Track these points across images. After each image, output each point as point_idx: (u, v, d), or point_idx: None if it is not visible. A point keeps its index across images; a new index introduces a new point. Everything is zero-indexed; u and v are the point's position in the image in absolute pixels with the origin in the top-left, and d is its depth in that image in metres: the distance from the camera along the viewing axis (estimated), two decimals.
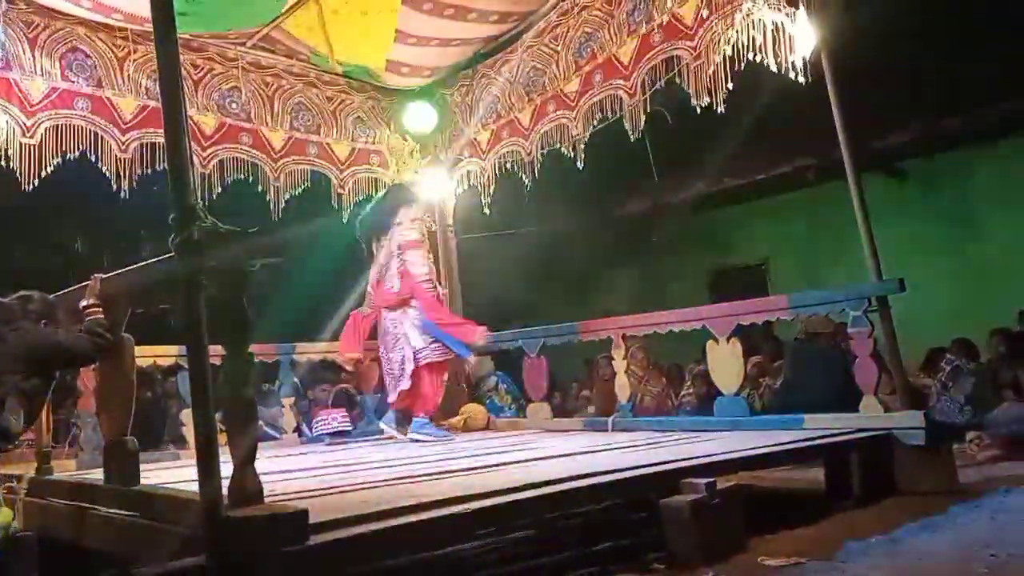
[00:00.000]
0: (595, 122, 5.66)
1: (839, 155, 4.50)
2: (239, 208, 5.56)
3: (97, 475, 3.27)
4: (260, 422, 4.25)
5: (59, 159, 5.17)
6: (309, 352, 6.27)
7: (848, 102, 4.48)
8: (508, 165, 6.38)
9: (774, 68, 4.44)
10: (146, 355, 5.01)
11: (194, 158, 5.51)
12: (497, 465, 3.68)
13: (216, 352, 2.41)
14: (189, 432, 5.12)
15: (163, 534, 2.50)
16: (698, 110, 4.85)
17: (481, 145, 6.59)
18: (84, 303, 3.11)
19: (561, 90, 5.87)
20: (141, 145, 5.49)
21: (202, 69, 5.87)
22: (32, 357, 3.12)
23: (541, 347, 6.04)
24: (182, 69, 2.69)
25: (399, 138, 6.76)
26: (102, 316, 3.09)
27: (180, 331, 2.43)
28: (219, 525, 2.24)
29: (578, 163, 5.81)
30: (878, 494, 3.90)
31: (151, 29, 2.66)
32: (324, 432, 6.05)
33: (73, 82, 5.27)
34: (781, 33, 4.41)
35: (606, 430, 5.37)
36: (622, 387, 5.54)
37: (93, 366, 4.02)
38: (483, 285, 8.89)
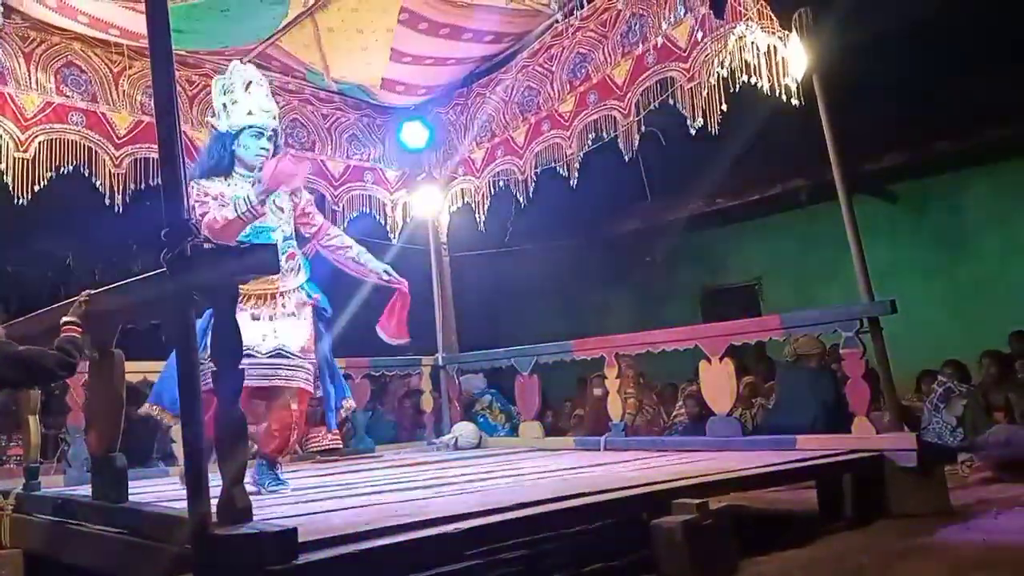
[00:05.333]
0: (589, 142, 5.68)
1: (831, 177, 4.53)
2: None
3: (85, 491, 3.24)
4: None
5: (52, 173, 5.16)
6: None
7: (840, 124, 4.51)
8: (502, 183, 6.40)
9: (767, 90, 4.48)
10: (136, 371, 4.98)
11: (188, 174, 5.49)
12: (487, 485, 3.66)
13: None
14: (179, 449, 5.09)
15: (151, 551, 2.48)
16: (692, 131, 4.88)
17: (475, 163, 6.61)
18: (64, 319, 3.05)
19: (555, 110, 5.90)
20: (135, 160, 5.48)
21: (197, 85, 5.87)
22: None
23: (534, 365, 6.04)
24: (177, 85, 2.69)
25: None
26: (78, 334, 3.02)
27: (171, 346, 2.42)
28: (208, 543, 2.22)
29: (572, 182, 5.83)
30: (870, 516, 3.89)
31: (147, 45, 2.67)
32: (315, 450, 6.01)
33: (68, 97, 5.28)
34: (774, 56, 4.45)
35: (598, 449, 5.36)
36: (614, 406, 5.53)
37: (83, 381, 4.00)
38: (476, 303, 8.90)
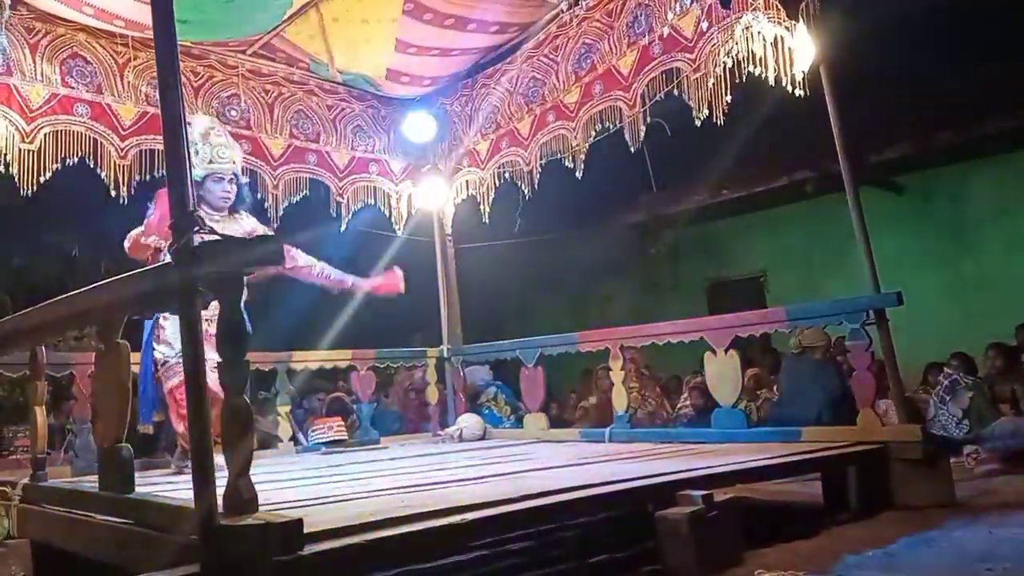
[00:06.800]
0: (594, 133, 5.67)
1: (837, 168, 4.51)
2: None
3: (92, 482, 3.25)
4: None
5: (58, 165, 5.16)
6: (306, 360, 6.26)
7: (846, 116, 4.49)
8: (507, 175, 6.38)
9: (773, 81, 4.46)
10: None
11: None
12: (492, 476, 3.67)
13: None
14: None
15: (157, 542, 2.48)
16: (697, 122, 4.86)
17: (480, 155, 6.60)
18: None
19: (561, 100, 5.88)
20: (140, 152, 5.48)
21: (202, 76, 5.87)
22: None
23: (538, 357, 6.03)
24: (182, 76, 2.69)
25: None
26: None
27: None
28: (213, 533, 2.22)
29: (577, 173, 5.81)
30: (875, 508, 3.89)
31: (152, 36, 2.66)
32: (320, 441, 6.03)
33: (73, 88, 5.27)
34: (780, 46, 4.43)
35: (603, 441, 5.37)
36: (619, 398, 5.53)
37: (89, 372, 4.01)
38: (481, 295, 8.90)
